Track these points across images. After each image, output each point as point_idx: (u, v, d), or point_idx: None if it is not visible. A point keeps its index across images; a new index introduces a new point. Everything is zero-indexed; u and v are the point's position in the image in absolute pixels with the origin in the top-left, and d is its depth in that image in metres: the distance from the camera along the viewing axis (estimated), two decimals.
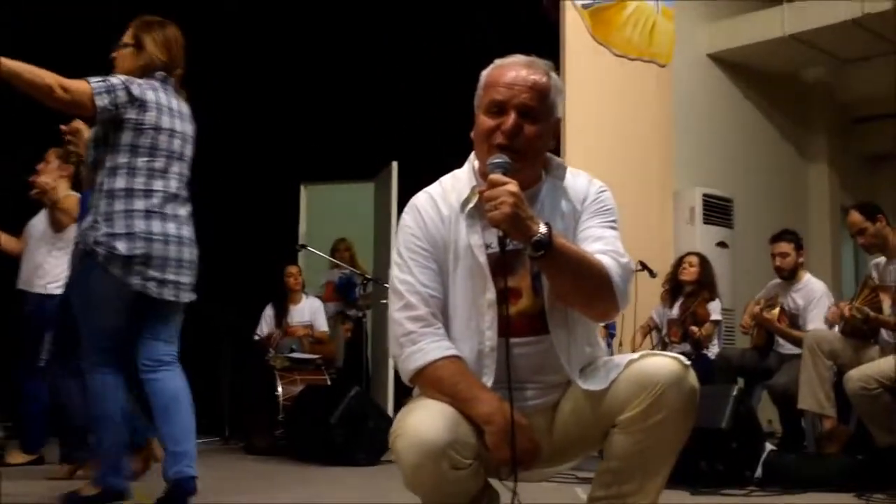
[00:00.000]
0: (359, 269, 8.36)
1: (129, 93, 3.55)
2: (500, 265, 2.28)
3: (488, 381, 2.29)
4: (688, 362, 2.26)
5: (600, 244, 2.32)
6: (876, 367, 5.21)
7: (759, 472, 4.69)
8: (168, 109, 3.70)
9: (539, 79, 2.32)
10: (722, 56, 8.99)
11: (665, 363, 2.23)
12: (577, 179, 2.46)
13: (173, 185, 3.71)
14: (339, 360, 7.93)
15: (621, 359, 2.31)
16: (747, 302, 6.76)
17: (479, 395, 2.22)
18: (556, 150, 2.50)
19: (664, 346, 6.94)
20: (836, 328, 5.77)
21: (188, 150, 3.82)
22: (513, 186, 2.14)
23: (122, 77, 3.61)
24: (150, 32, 3.76)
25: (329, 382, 6.95)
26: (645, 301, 6.83)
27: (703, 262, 6.99)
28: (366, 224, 8.85)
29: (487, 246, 2.29)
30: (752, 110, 9.36)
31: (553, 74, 2.37)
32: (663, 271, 7.10)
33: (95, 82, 3.49)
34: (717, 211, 8.41)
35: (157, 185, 3.64)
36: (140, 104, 3.58)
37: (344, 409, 5.59)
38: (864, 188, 10.32)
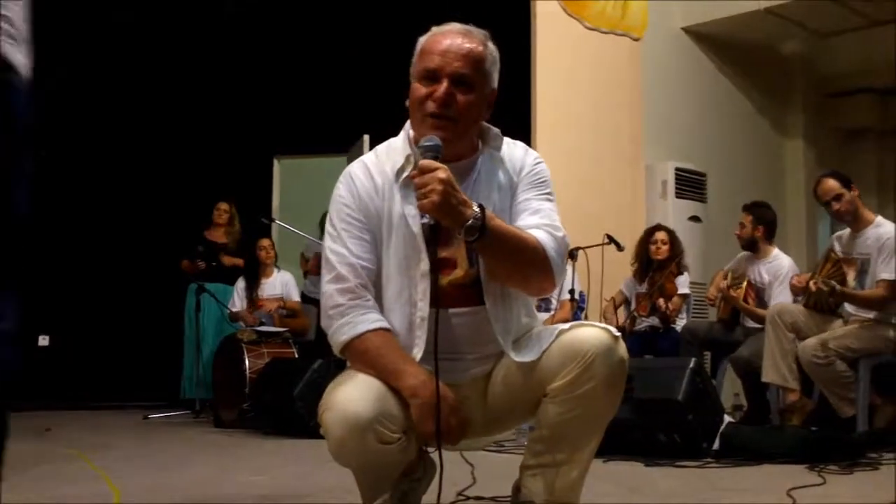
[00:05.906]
0: None
1: None
2: (434, 235, 2.25)
3: (419, 351, 2.28)
4: (617, 333, 2.26)
5: (537, 217, 2.31)
6: (832, 336, 5.24)
7: (716, 444, 4.70)
8: None
9: (474, 47, 2.29)
10: (697, 30, 8.92)
11: (595, 333, 2.23)
12: (514, 150, 2.45)
13: None
14: (310, 334, 7.89)
15: (553, 329, 2.30)
16: (715, 272, 6.78)
17: (405, 368, 2.21)
18: (498, 122, 2.46)
19: (633, 321, 6.95)
20: (801, 300, 5.77)
21: None
22: (442, 173, 2.10)
23: None
24: None
25: (296, 356, 6.93)
26: (613, 274, 6.84)
27: (673, 238, 6.98)
28: None
29: (422, 216, 2.24)
30: (727, 84, 9.31)
31: (490, 44, 2.34)
32: (634, 245, 7.09)
33: None
34: (689, 185, 8.41)
35: None
36: None
37: (306, 382, 5.56)
38: (840, 163, 10.20)
